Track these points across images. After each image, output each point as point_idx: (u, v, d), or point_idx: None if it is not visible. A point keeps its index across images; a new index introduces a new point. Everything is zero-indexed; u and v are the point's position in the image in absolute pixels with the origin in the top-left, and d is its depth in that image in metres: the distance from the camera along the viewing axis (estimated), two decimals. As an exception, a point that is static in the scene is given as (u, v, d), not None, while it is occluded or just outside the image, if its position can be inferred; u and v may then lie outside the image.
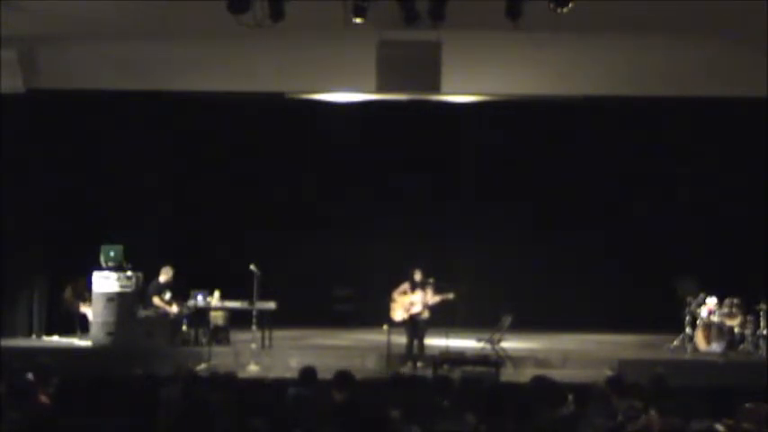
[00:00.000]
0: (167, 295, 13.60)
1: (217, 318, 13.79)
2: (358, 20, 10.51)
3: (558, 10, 9.91)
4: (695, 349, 13.55)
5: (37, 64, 12.77)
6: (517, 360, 12.65)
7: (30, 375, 7.57)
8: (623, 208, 16.30)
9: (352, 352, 13.42)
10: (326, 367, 8.55)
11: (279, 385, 8.10)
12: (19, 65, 12.51)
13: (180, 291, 13.72)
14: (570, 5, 9.86)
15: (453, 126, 15.83)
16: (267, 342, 13.33)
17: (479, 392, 7.04)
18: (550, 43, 11.92)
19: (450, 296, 12.75)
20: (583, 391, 7.13)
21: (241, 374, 10.70)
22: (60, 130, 14.62)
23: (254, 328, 13.07)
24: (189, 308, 13.57)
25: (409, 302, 12.80)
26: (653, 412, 6.55)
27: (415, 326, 12.77)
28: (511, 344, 13.13)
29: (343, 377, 7.37)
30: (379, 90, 12.55)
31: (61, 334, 13.96)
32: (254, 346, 12.95)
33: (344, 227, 16.24)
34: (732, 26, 11.44)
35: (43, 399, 7.06)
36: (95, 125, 15.06)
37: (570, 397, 6.96)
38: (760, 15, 10.86)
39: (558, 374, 9.28)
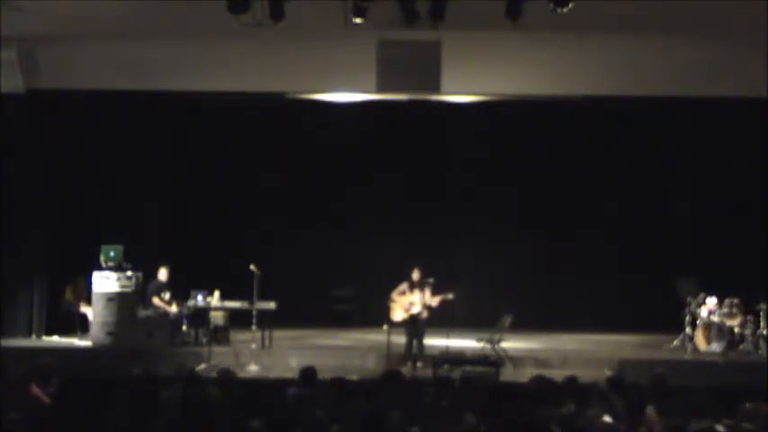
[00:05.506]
0: (167, 295, 13.60)
1: (217, 318, 13.79)
2: (358, 20, 10.52)
3: (558, 10, 9.91)
4: (695, 349, 13.56)
5: (37, 64, 12.75)
6: (517, 360, 12.65)
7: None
8: (623, 208, 16.30)
9: (352, 352, 13.42)
10: (326, 367, 8.57)
11: (279, 385, 8.09)
12: (19, 65, 12.50)
13: (180, 291, 13.72)
14: (570, 5, 9.86)
15: (453, 126, 15.84)
16: (267, 342, 13.30)
17: (479, 392, 7.03)
18: (550, 43, 11.94)
19: (450, 296, 12.75)
20: (583, 391, 7.13)
21: (241, 374, 10.68)
22: (60, 130, 14.61)
23: (254, 328, 13.08)
24: (189, 308, 13.56)
25: (409, 302, 12.80)
26: (653, 412, 6.55)
27: (414, 326, 12.76)
28: (511, 344, 13.12)
29: (340, 383, 7.37)
30: (379, 90, 12.55)
31: (61, 334, 13.94)
32: (254, 346, 12.95)
33: (345, 227, 16.25)
34: (732, 26, 11.43)
35: (43, 399, 7.06)
36: (95, 125, 15.06)
37: (570, 397, 6.96)
38: (760, 15, 10.85)
39: (557, 374, 9.27)
